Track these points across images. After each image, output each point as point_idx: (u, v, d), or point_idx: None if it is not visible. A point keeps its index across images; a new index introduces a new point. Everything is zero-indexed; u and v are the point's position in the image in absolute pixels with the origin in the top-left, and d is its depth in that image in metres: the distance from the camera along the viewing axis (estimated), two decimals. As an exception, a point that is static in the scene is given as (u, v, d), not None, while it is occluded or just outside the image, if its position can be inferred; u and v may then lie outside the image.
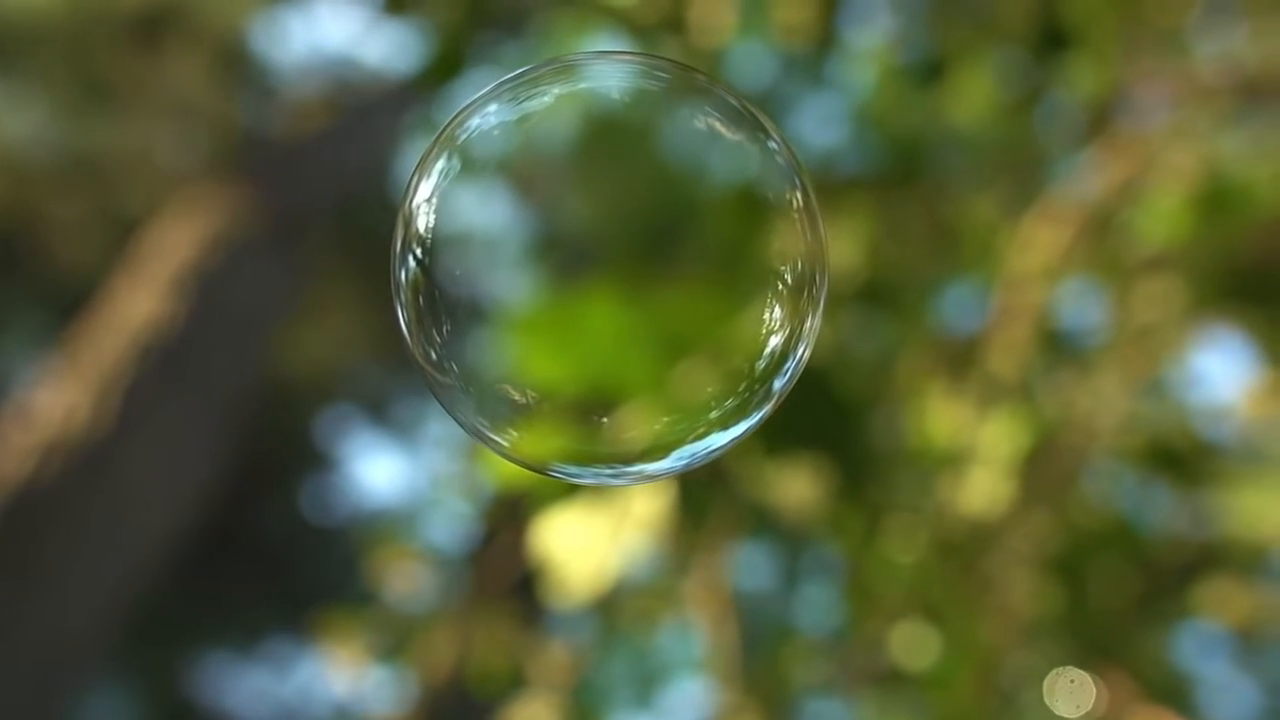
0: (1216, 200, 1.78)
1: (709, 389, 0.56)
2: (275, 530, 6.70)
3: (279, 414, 6.34)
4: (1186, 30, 2.03)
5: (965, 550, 1.63)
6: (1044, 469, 1.83)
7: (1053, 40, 1.53)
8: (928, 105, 2.10)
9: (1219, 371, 2.36)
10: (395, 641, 2.39)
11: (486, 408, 0.56)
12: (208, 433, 3.66)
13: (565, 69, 0.55)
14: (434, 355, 0.54)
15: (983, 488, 1.79)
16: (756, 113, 0.56)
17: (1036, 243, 2.05)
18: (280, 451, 6.57)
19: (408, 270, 0.54)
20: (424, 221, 0.53)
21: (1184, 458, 1.86)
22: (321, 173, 4.76)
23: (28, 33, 5.55)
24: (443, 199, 0.53)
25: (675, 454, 0.56)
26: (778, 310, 0.55)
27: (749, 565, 2.30)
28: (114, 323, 3.66)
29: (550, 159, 0.58)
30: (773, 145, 0.55)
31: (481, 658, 1.86)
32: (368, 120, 5.01)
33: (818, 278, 0.55)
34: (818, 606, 2.24)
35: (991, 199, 2.29)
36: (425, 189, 0.53)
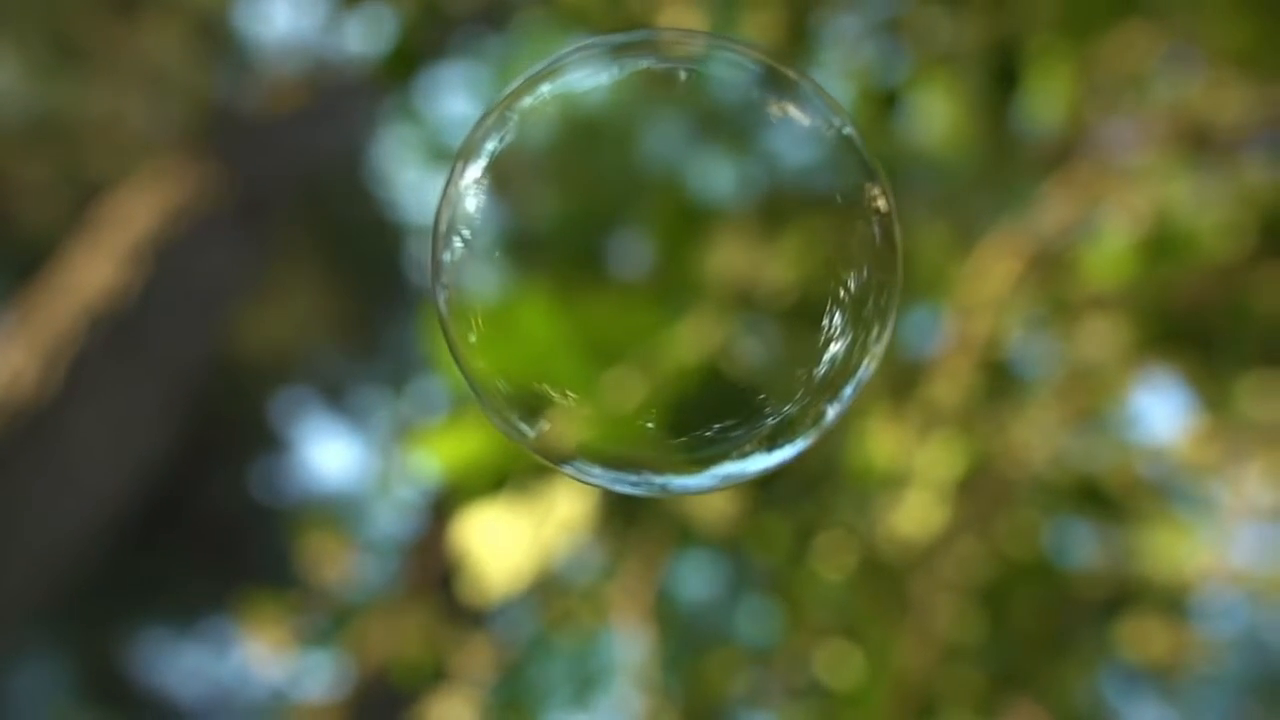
0: (1161, 245, 1.81)
1: (760, 396, 0.52)
2: (223, 508, 6.64)
3: (234, 393, 6.29)
4: (1146, 76, 2.06)
5: (893, 572, 1.65)
6: (977, 497, 1.86)
7: (1006, 77, 1.56)
8: (893, 130, 2.12)
9: (1160, 413, 2.40)
10: (327, 628, 2.38)
11: (517, 400, 0.53)
12: (156, 405, 3.63)
13: (628, 48, 0.51)
14: (472, 339, 0.52)
15: (917, 511, 1.81)
16: (839, 107, 0.51)
17: (988, 273, 2.08)
18: (233, 430, 6.52)
19: (452, 252, 0.51)
20: (472, 204, 0.50)
21: (1111, 496, 1.89)
22: (292, 153, 4.73)
23: (3, -10, 5.48)
24: (490, 183, 0.51)
25: (711, 471, 0.52)
26: (837, 319, 0.50)
27: (690, 575, 2.31)
28: (69, 289, 3.63)
29: (579, 149, 0.55)
30: (851, 134, 0.51)
31: (406, 649, 1.87)
32: (343, 104, 4.99)
33: (887, 286, 0.50)
34: (752, 619, 2.25)
35: (948, 226, 2.31)
36: (474, 171, 0.50)
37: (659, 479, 0.53)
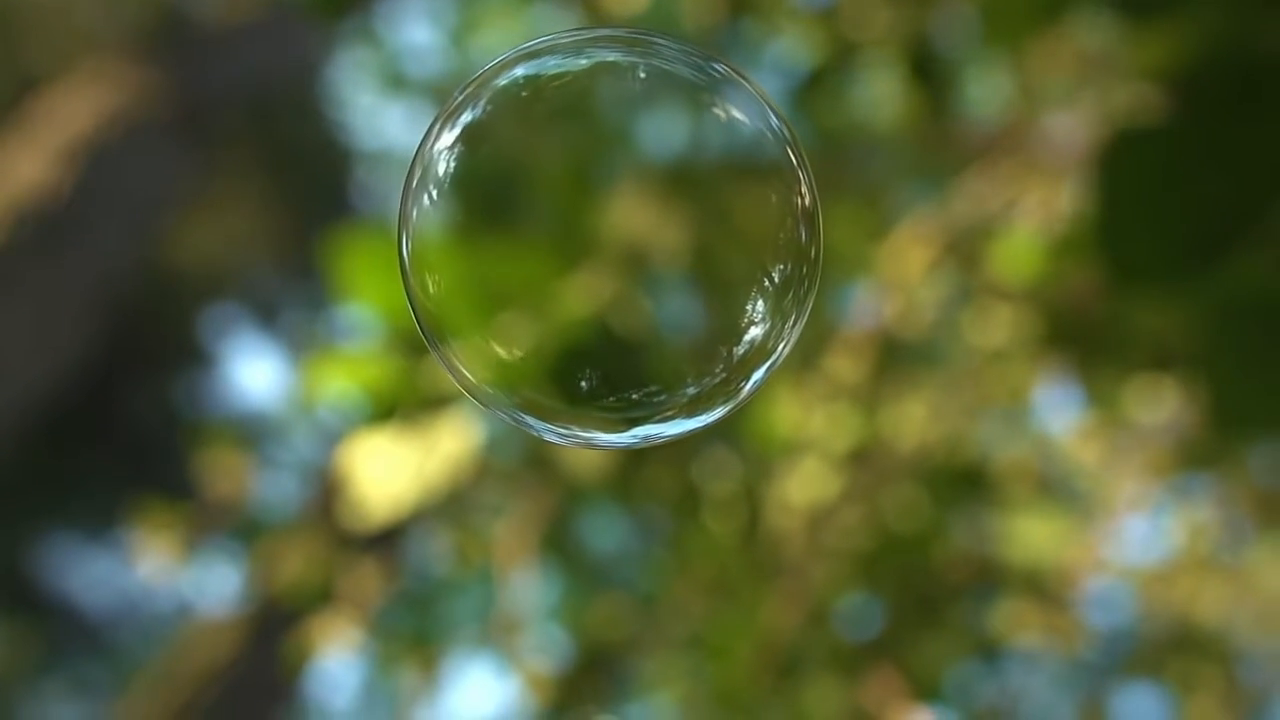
0: (1066, 246, 1.88)
1: (683, 367, 0.56)
2: (144, 419, 6.58)
3: (165, 304, 6.22)
4: (1074, 81, 2.12)
5: (771, 533, 1.71)
6: (867, 470, 1.93)
7: (928, 68, 1.60)
8: (834, 105, 2.16)
9: (1056, 406, 2.49)
10: (228, 544, 2.40)
11: (467, 348, 0.57)
12: (78, 308, 3.59)
13: (618, 39, 0.55)
14: (431, 289, 0.56)
15: (809, 479, 1.87)
16: (772, 103, 0.56)
17: (904, 255, 2.14)
18: (161, 342, 6.45)
19: (420, 207, 0.54)
20: (444, 167, 0.54)
21: (994, 481, 1.97)
22: (242, 66, 4.65)
23: None
24: (462, 148, 0.54)
25: (634, 431, 0.56)
26: (760, 306, 0.54)
27: (592, 525, 2.36)
28: (-4, 183, 3.56)
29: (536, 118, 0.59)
30: (783, 132, 0.56)
31: (301, 570, 1.90)
32: (300, 21, 4.91)
33: (808, 280, 0.55)
34: (646, 570, 2.31)
35: (875, 204, 2.37)
36: (448, 138, 0.54)
37: (585, 433, 0.57)
